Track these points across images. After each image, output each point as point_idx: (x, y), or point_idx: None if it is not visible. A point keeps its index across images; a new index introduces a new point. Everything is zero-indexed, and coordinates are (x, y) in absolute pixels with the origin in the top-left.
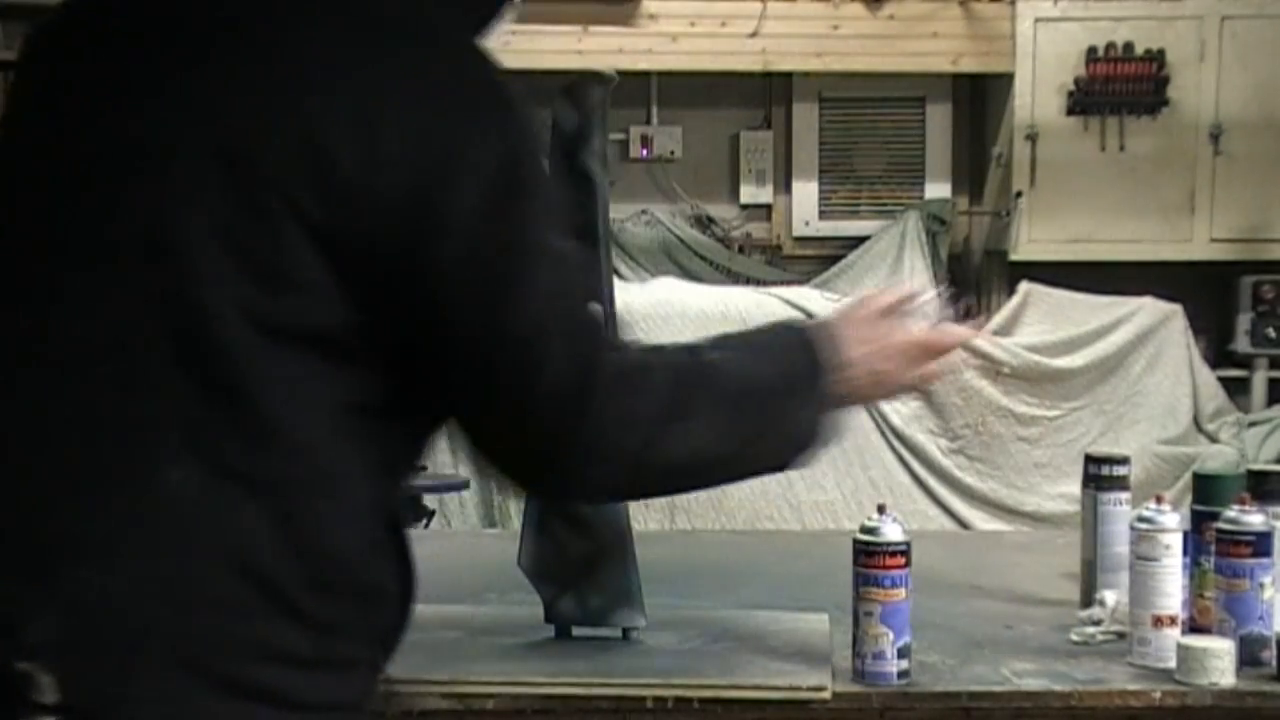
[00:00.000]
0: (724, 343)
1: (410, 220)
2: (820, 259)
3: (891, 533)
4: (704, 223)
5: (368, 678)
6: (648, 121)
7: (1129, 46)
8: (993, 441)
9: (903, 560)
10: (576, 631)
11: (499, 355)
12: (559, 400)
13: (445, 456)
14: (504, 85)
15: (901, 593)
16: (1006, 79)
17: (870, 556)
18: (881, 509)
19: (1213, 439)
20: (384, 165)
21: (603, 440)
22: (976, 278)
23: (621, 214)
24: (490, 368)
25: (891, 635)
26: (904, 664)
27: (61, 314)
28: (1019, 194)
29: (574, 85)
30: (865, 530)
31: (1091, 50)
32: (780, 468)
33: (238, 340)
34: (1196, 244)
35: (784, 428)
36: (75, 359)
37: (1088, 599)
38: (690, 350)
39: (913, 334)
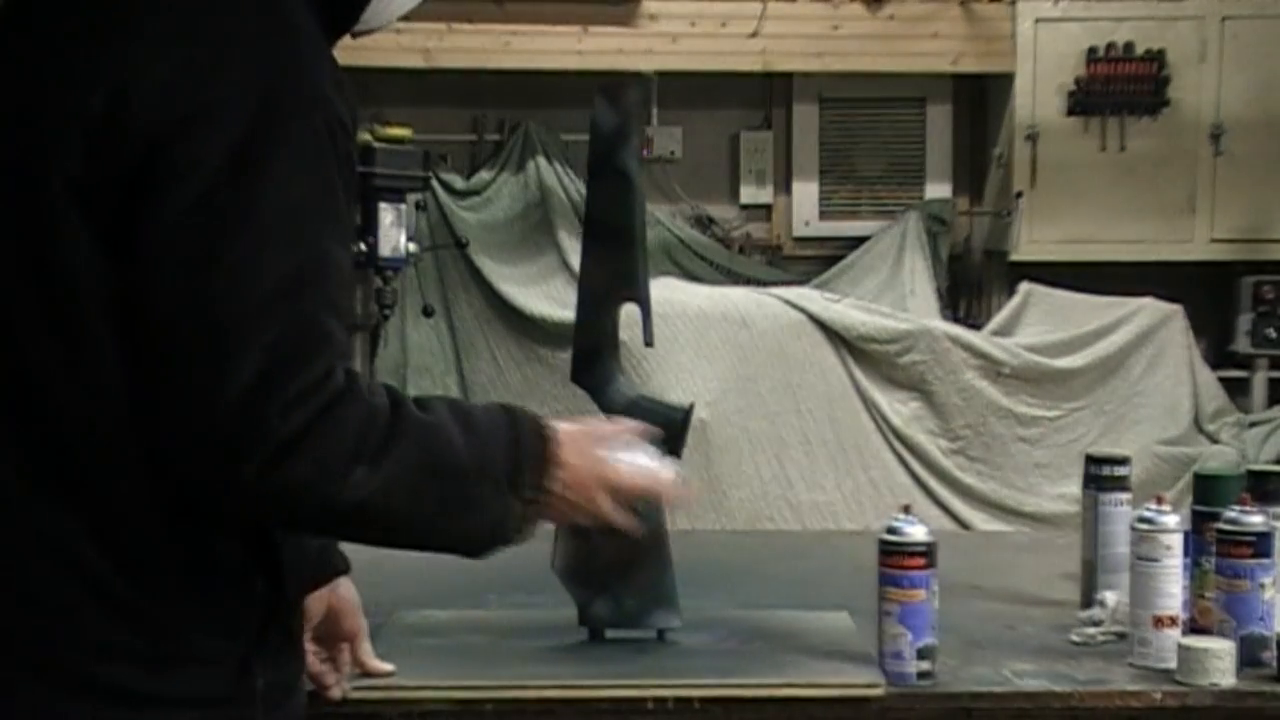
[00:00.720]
0: (439, 407)
1: (146, 171)
2: (820, 259)
3: (912, 533)
4: (704, 223)
5: (231, 674)
6: (648, 122)
7: (1129, 46)
8: (993, 442)
9: (922, 561)
10: (610, 634)
11: (194, 338)
12: (243, 407)
13: None
14: (298, 52)
15: (920, 594)
16: (1007, 79)
17: (889, 556)
18: (906, 509)
19: (1213, 439)
20: (128, 119)
21: (278, 463)
22: (976, 278)
23: None
24: (183, 349)
25: (910, 636)
26: (925, 665)
27: None
28: (1019, 194)
29: (612, 85)
30: (888, 530)
31: (1092, 50)
32: (462, 552)
33: (31, 330)
34: (1196, 244)
35: (471, 508)
36: None
37: (1088, 599)
38: (402, 402)
39: (624, 474)
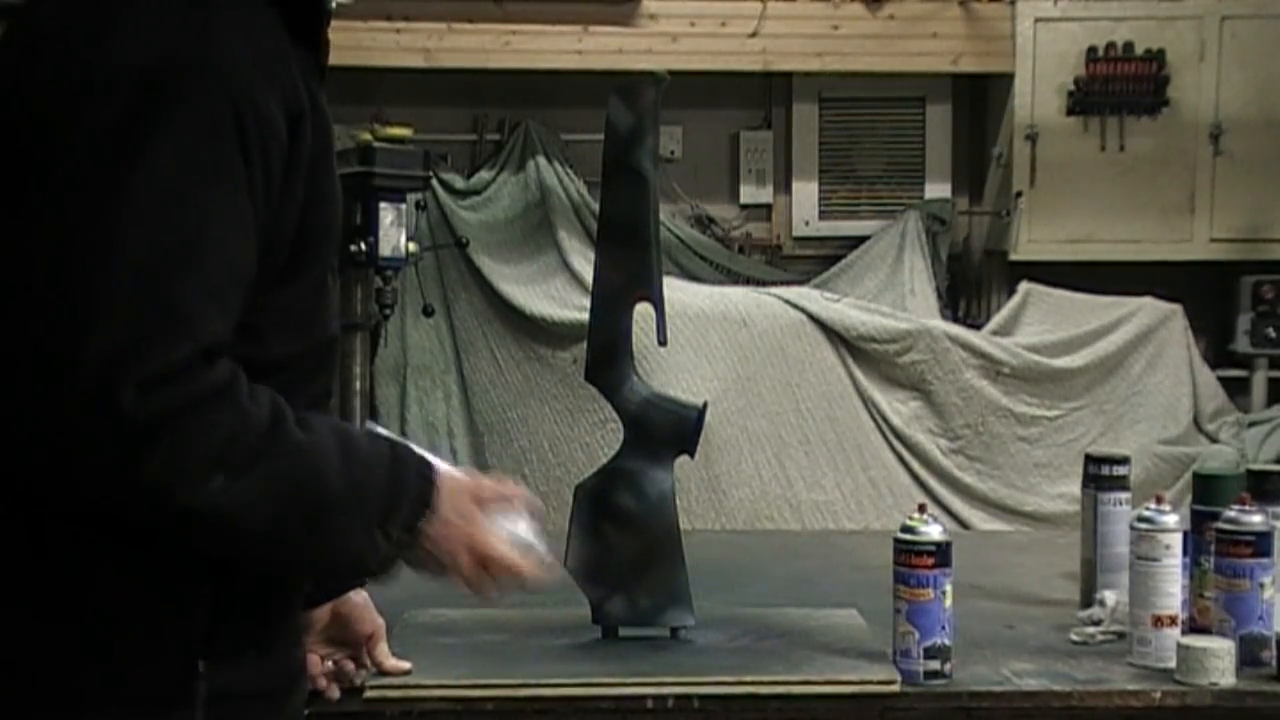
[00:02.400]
0: (322, 431)
1: (34, 138)
2: (820, 259)
3: (924, 533)
4: (704, 223)
5: (177, 673)
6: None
7: (1129, 46)
8: (993, 441)
9: (931, 561)
10: (623, 632)
11: (46, 307)
12: (95, 381)
13: (446, 455)
14: (211, 35)
15: (928, 593)
16: (1006, 79)
17: (900, 554)
18: (922, 509)
19: (1213, 439)
20: (16, 86)
21: (134, 450)
22: (976, 278)
23: None
24: (36, 319)
25: (917, 634)
26: (934, 664)
27: None
28: (1019, 194)
29: (628, 85)
30: (903, 529)
31: (1091, 50)
32: (316, 577)
33: None
34: (1196, 244)
35: (334, 538)
36: None
37: (1088, 599)
38: (282, 418)
39: (492, 544)
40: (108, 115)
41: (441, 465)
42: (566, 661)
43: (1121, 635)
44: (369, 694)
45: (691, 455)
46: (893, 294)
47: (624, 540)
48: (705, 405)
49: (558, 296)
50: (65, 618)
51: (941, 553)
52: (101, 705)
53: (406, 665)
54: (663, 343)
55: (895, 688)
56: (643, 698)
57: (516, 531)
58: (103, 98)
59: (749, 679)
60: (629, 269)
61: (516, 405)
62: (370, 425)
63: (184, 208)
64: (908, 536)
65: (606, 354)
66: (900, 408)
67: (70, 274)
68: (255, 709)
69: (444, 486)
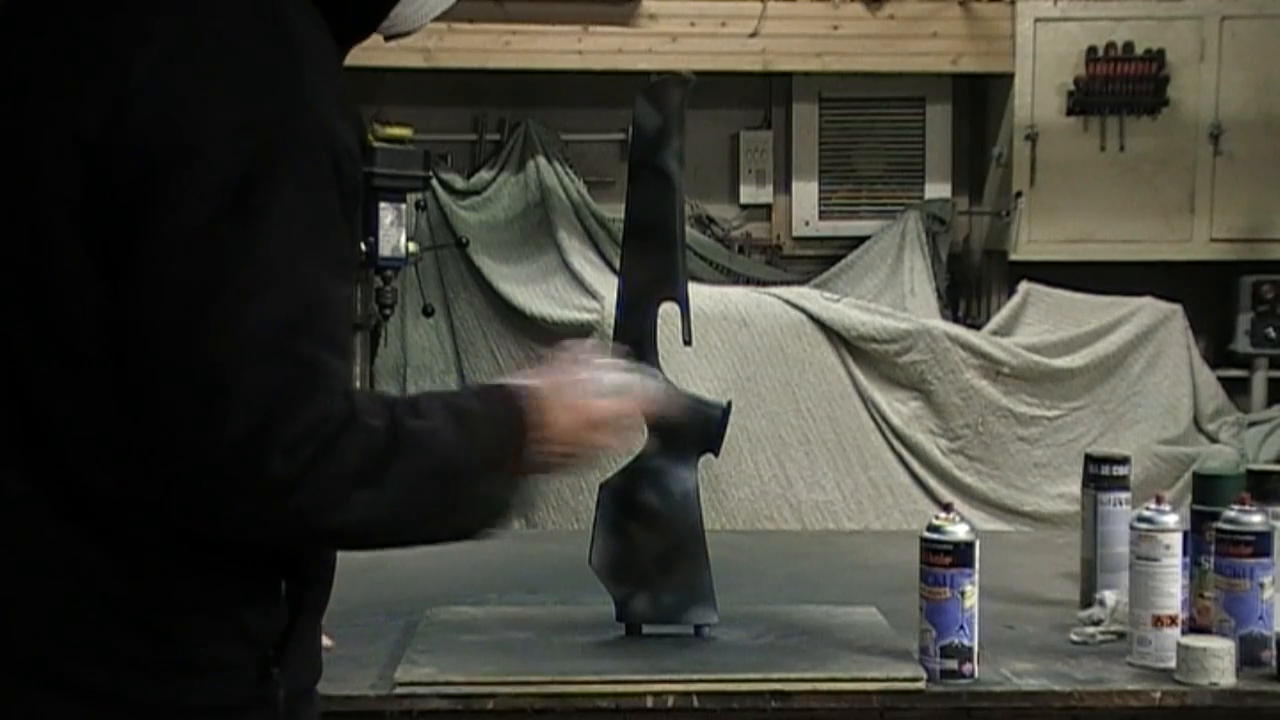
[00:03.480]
0: (428, 408)
1: (144, 199)
2: (820, 259)
3: (947, 532)
4: (704, 223)
5: (251, 681)
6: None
7: (1129, 46)
8: (993, 441)
9: (949, 560)
10: (646, 629)
11: (188, 378)
12: (243, 453)
13: None
14: (302, 78)
15: (945, 592)
16: (1006, 79)
17: (923, 553)
18: (947, 508)
19: (1213, 439)
20: (125, 142)
21: (278, 499)
22: (976, 278)
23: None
24: (176, 388)
25: (934, 632)
26: (951, 663)
27: None
28: (1019, 194)
29: (655, 86)
30: (929, 528)
31: (1091, 50)
32: (463, 538)
33: (28, 349)
34: (1196, 244)
35: (473, 504)
36: None
37: (1088, 599)
38: (393, 413)
39: (606, 408)
40: (224, 176)
41: (527, 380)
42: (591, 658)
43: (1121, 635)
44: (369, 693)
45: (715, 454)
46: (893, 294)
47: (648, 538)
48: (729, 404)
49: (558, 296)
50: (152, 633)
51: (961, 553)
52: (188, 717)
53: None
54: (688, 342)
55: (921, 685)
56: (667, 694)
57: (611, 381)
58: (217, 158)
59: (776, 676)
60: (654, 269)
61: None
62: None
63: (306, 263)
64: (930, 535)
65: (632, 353)
66: (900, 408)
67: (205, 341)
68: (306, 703)
69: (544, 398)
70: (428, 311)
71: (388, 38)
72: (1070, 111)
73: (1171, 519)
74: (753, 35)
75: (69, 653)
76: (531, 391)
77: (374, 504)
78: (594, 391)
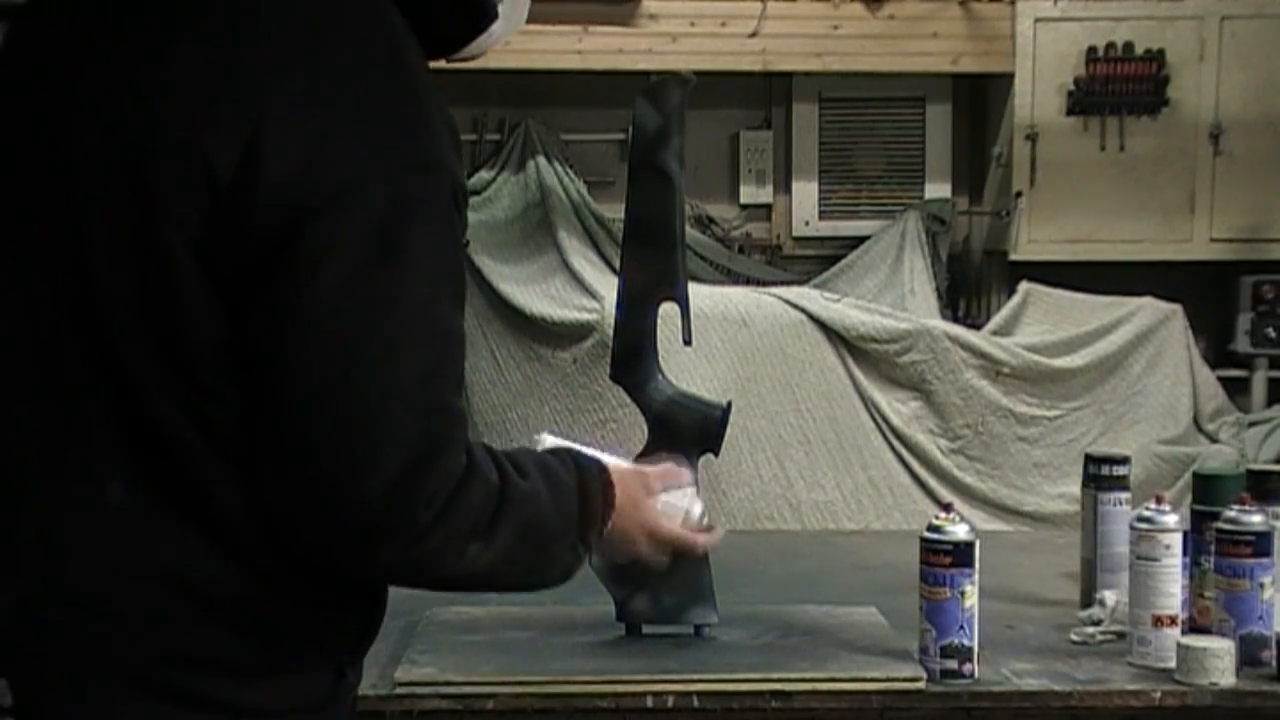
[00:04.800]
0: (526, 467)
1: (281, 250)
2: (820, 259)
3: (947, 532)
4: (704, 223)
5: (330, 681)
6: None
7: (1129, 46)
8: (993, 441)
9: (949, 560)
10: (646, 629)
11: (335, 429)
12: (387, 502)
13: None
14: (426, 117)
15: (945, 592)
16: (1006, 79)
17: (923, 553)
18: (947, 508)
19: (1213, 439)
20: (261, 184)
21: (411, 545)
22: (976, 278)
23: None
24: (322, 437)
25: (934, 632)
26: (951, 663)
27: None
28: (1019, 194)
29: (655, 86)
30: (929, 528)
31: (1091, 50)
32: (525, 590)
33: (144, 359)
34: (1196, 244)
35: (550, 564)
36: (8, 360)
37: (1088, 599)
38: (503, 471)
39: (673, 528)
40: (367, 225)
41: (611, 461)
42: (591, 658)
43: (1121, 635)
44: (369, 693)
45: (716, 454)
46: (893, 294)
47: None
48: (729, 404)
49: (558, 296)
50: (246, 638)
51: (961, 553)
52: (269, 717)
53: None
54: (688, 342)
55: (921, 685)
56: (667, 694)
57: (679, 504)
58: (359, 208)
59: (776, 676)
60: (654, 269)
61: (516, 405)
62: (547, 436)
63: (440, 307)
64: (930, 535)
65: (632, 353)
66: (900, 408)
67: (356, 394)
68: (356, 698)
69: (618, 485)
70: None
71: (450, 60)
72: (1070, 111)
73: (1171, 519)
74: (753, 35)
75: (163, 658)
76: (617, 481)
77: (481, 557)
78: (663, 504)
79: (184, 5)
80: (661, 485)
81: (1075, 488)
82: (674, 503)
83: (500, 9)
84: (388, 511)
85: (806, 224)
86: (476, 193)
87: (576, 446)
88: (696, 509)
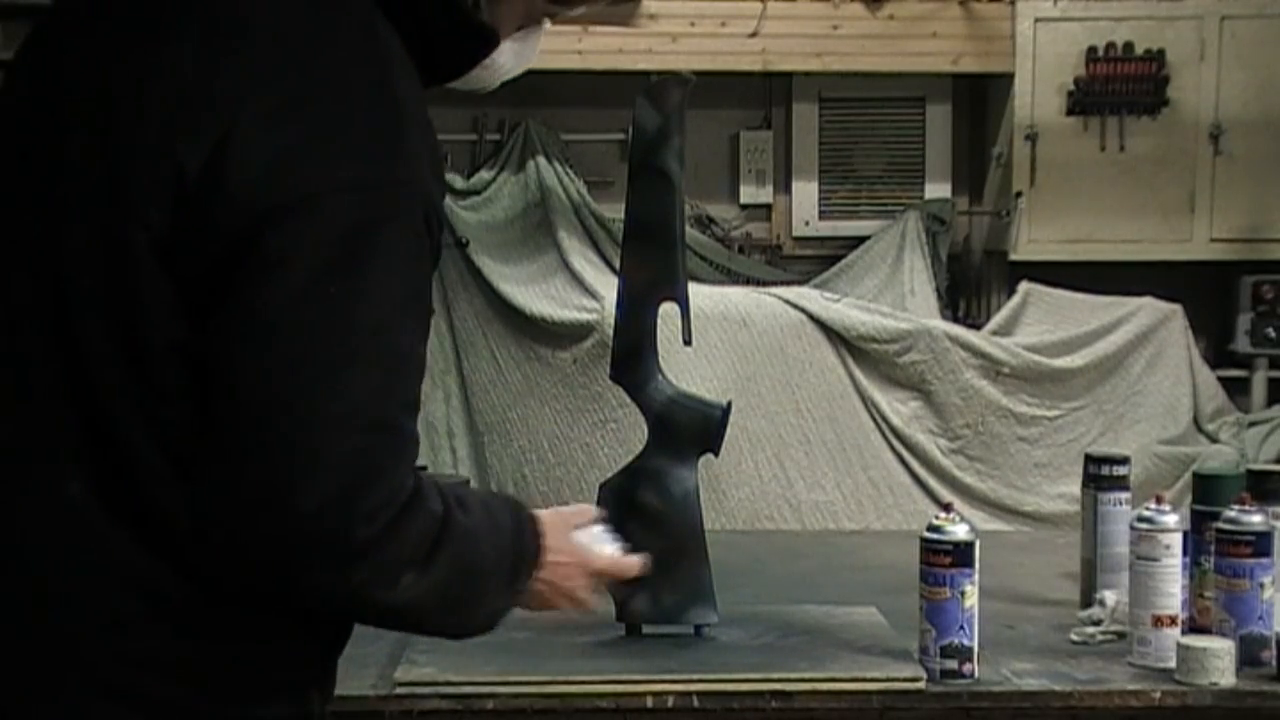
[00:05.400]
0: (467, 502)
1: (239, 255)
2: (820, 259)
3: (947, 532)
4: (704, 223)
5: (299, 700)
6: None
7: (1129, 46)
8: (993, 441)
9: (949, 560)
10: (646, 629)
11: (272, 444)
12: (321, 520)
13: (446, 455)
14: (404, 136)
15: (945, 592)
16: (1006, 79)
17: (923, 553)
18: (947, 508)
19: (1213, 439)
20: (225, 188)
21: (343, 569)
22: (976, 278)
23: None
24: (258, 451)
25: (934, 632)
26: (951, 663)
27: None
28: (1019, 194)
29: (655, 86)
30: (929, 528)
31: (1091, 50)
32: (451, 636)
33: (105, 360)
34: (1196, 244)
35: (478, 605)
36: None
37: (1088, 599)
38: (447, 503)
39: (603, 559)
40: (331, 234)
41: (537, 512)
42: (591, 658)
43: (1121, 635)
44: (369, 693)
45: (715, 454)
46: (893, 294)
47: (648, 538)
48: (729, 404)
49: (558, 296)
50: (211, 647)
51: (961, 553)
52: None
53: None
54: (688, 342)
55: (921, 685)
56: (667, 694)
57: (598, 539)
58: (326, 216)
59: (776, 676)
60: (654, 269)
61: (516, 405)
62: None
63: (398, 326)
64: (930, 535)
65: (632, 353)
66: (900, 408)
67: (301, 405)
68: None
69: (548, 534)
70: None
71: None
72: (1070, 111)
73: (1171, 519)
74: (753, 35)
75: (126, 660)
76: (542, 523)
77: (415, 587)
78: (592, 549)
79: (178, 12)
80: (578, 522)
81: (1075, 488)
82: (599, 534)
83: (509, 45)
84: (319, 529)
85: (806, 224)
86: (476, 193)
87: (509, 495)
88: (613, 541)
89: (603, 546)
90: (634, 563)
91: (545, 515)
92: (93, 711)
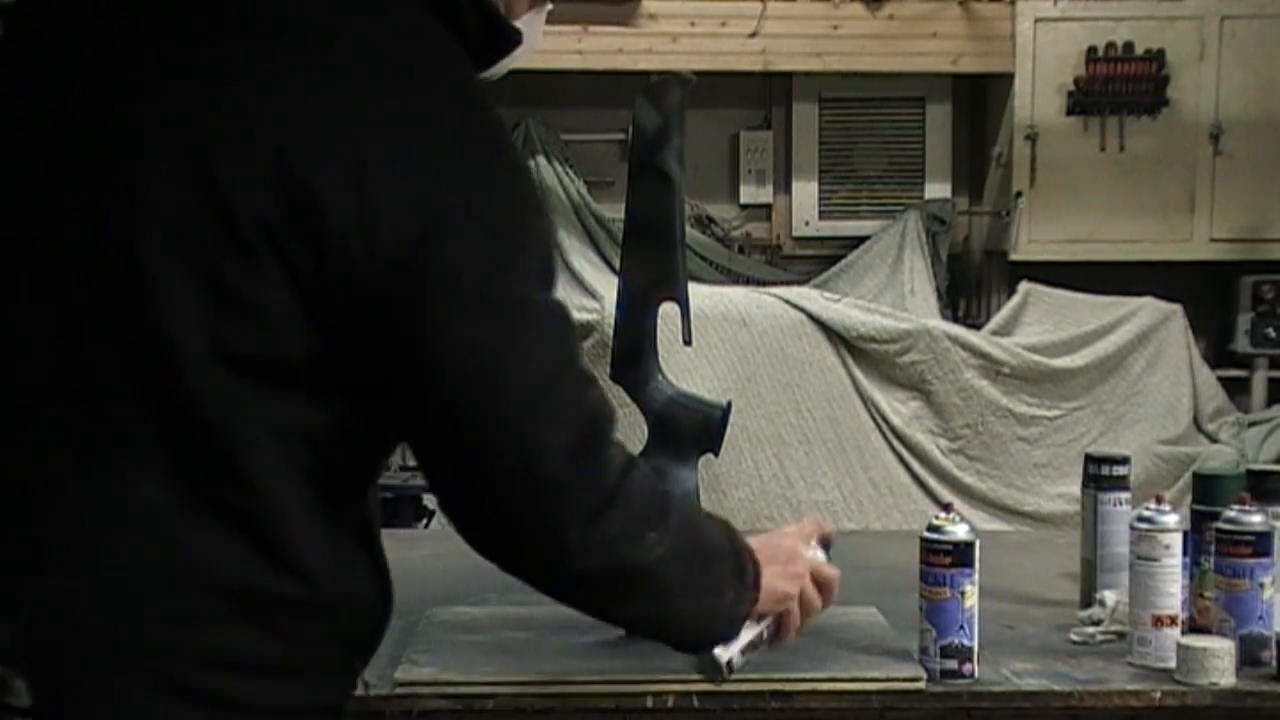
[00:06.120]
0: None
1: (406, 280)
2: (820, 259)
3: (947, 532)
4: (704, 223)
5: (342, 681)
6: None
7: (1129, 46)
8: (993, 441)
9: (949, 560)
10: None
11: (499, 431)
12: (561, 483)
13: None
14: (502, 131)
15: (945, 592)
16: (1006, 79)
17: (923, 553)
18: (947, 508)
19: (1213, 439)
20: (379, 224)
21: (596, 518)
22: (976, 278)
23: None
24: (489, 441)
25: (934, 632)
26: (951, 663)
27: (22, 315)
28: (1019, 194)
29: (655, 86)
30: (929, 528)
31: (1091, 50)
32: (689, 634)
33: (200, 364)
34: (1196, 244)
35: (719, 595)
36: (37, 360)
37: (1088, 599)
38: (657, 474)
39: (823, 570)
40: (485, 234)
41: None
42: (591, 658)
43: (1121, 635)
44: (373, 692)
45: (715, 454)
46: (893, 294)
47: None
48: (729, 404)
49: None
50: (272, 639)
51: (961, 553)
52: (287, 716)
53: None
54: (688, 342)
55: (921, 685)
56: (667, 694)
57: (817, 558)
58: (476, 219)
59: (776, 676)
60: (654, 269)
61: None
62: None
63: (550, 297)
64: (930, 535)
65: (631, 353)
66: (900, 408)
67: (509, 394)
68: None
69: (762, 553)
70: None
71: None
72: (1070, 111)
73: (1171, 519)
74: (753, 35)
75: (191, 658)
76: (748, 547)
77: (660, 546)
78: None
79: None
80: (800, 537)
81: (1075, 488)
82: (816, 557)
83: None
84: (572, 482)
85: (806, 224)
86: None
87: None
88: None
89: (813, 559)
90: (831, 578)
91: (757, 541)
92: (162, 710)
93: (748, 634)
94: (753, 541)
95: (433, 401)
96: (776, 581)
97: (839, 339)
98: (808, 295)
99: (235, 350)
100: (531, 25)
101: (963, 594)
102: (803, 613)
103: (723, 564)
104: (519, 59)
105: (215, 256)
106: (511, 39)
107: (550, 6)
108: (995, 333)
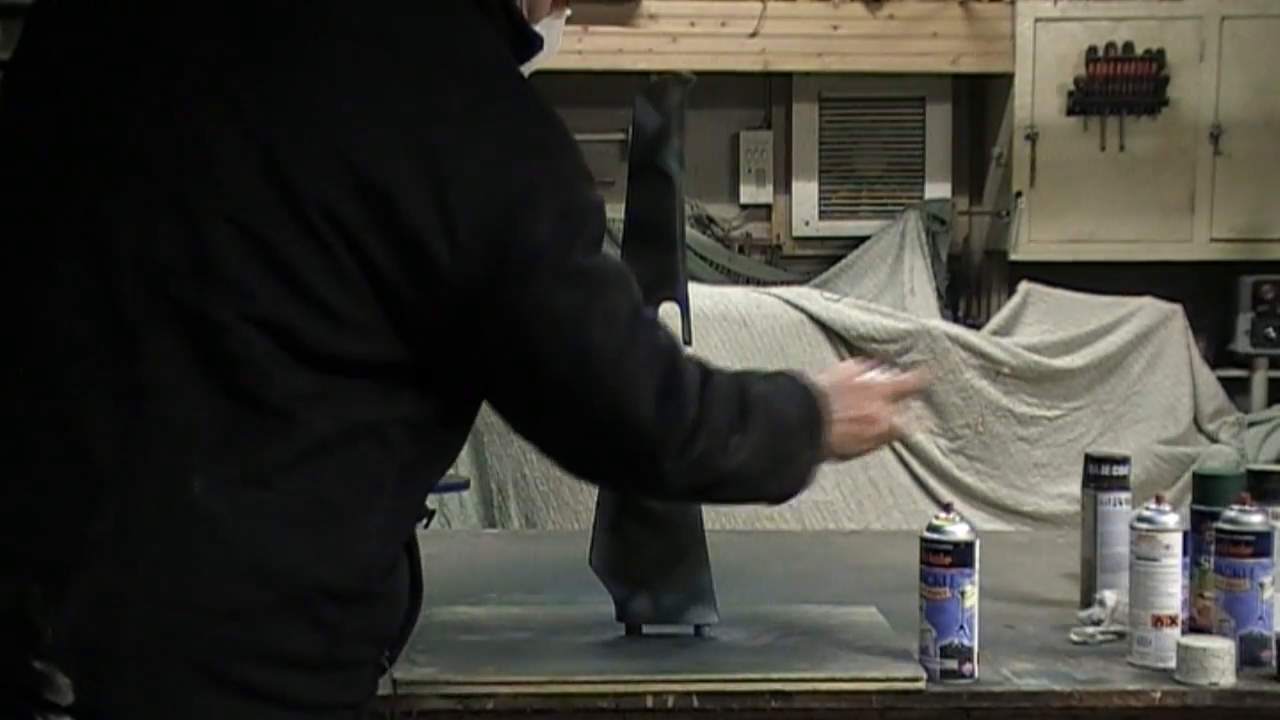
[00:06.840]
0: (756, 378)
1: (489, 270)
2: (820, 259)
3: (947, 532)
4: (704, 223)
5: (372, 676)
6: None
7: (1129, 46)
8: (993, 441)
9: (949, 560)
10: (647, 629)
11: (594, 388)
12: (656, 422)
13: None
14: (553, 113)
15: (945, 592)
16: (1006, 79)
17: (923, 553)
18: (947, 508)
19: (1213, 439)
20: (458, 221)
21: (686, 447)
22: (976, 278)
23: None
24: (585, 398)
25: (934, 632)
26: (951, 663)
27: (71, 311)
28: (1019, 194)
29: (655, 86)
30: (929, 528)
31: (1091, 50)
32: (776, 500)
33: (265, 357)
34: (1196, 244)
35: (795, 463)
36: (84, 356)
37: (1088, 599)
38: (741, 376)
39: (882, 381)
40: (564, 224)
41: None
42: (591, 658)
43: (1121, 635)
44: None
45: None
46: (893, 294)
47: (648, 538)
48: None
49: None
50: (332, 637)
51: (961, 553)
52: (331, 713)
53: None
54: (688, 342)
55: (921, 685)
56: (667, 694)
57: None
58: (557, 213)
59: (776, 676)
60: (654, 269)
61: None
62: None
63: (613, 262)
64: (929, 535)
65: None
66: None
67: (597, 353)
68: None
69: (829, 388)
70: None
71: None
72: (1070, 111)
73: (1171, 519)
74: (753, 35)
75: (238, 652)
76: (819, 384)
77: (743, 448)
78: (871, 378)
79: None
80: (856, 372)
81: (1075, 488)
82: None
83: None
84: (664, 422)
85: (806, 224)
86: None
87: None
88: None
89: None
90: (910, 378)
91: (821, 379)
92: (207, 704)
93: None
94: (825, 384)
95: (526, 373)
96: (847, 429)
97: (839, 339)
98: (808, 295)
99: (302, 342)
100: (551, 29)
101: (963, 594)
102: (877, 431)
103: (799, 435)
104: (539, 64)
105: (287, 252)
106: (534, 43)
107: (569, 11)
108: (995, 333)
